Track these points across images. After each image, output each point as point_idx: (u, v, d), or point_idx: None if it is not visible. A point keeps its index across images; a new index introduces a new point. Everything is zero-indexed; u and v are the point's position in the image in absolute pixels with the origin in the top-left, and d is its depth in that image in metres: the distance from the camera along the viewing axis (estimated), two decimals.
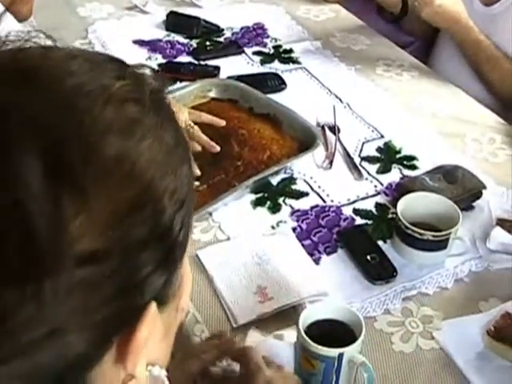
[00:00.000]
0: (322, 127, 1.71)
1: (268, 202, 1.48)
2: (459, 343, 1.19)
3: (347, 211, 1.47)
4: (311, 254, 1.35)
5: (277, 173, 1.53)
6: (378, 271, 1.31)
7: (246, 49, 2.06)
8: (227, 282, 1.28)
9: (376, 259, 1.33)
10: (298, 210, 1.46)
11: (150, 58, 1.99)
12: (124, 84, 0.56)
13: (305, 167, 1.57)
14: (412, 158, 1.63)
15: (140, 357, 0.56)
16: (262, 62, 2.00)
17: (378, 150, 1.66)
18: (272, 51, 2.06)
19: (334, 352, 1.03)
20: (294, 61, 2.02)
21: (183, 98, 1.69)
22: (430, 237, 1.30)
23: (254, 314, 1.21)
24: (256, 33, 2.15)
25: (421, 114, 1.80)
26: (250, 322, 1.21)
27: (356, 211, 1.47)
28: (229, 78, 1.86)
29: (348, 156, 1.62)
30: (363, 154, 1.64)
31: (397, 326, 1.23)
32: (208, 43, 2.08)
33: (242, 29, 2.17)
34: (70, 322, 0.49)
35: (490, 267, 1.35)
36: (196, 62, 1.96)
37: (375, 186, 1.54)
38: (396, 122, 1.77)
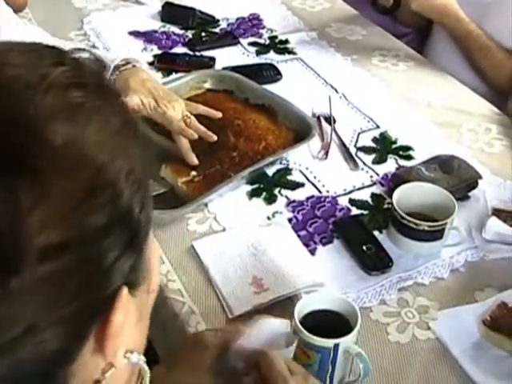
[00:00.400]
0: (318, 118, 1.70)
1: (264, 193, 1.47)
2: (455, 333, 1.19)
3: (343, 202, 1.47)
4: (307, 245, 1.35)
5: (272, 163, 1.53)
6: (374, 262, 1.31)
7: (241, 39, 2.05)
8: (223, 273, 1.28)
9: (372, 249, 1.33)
10: (294, 201, 1.46)
11: (145, 49, 1.98)
12: (64, 70, 0.55)
13: (300, 158, 1.57)
14: (408, 149, 1.63)
15: (118, 343, 0.56)
16: (258, 53, 2.00)
17: (374, 140, 1.66)
18: (268, 42, 2.06)
19: (329, 343, 1.03)
20: (290, 51, 2.01)
21: (179, 89, 1.69)
22: (426, 227, 1.30)
23: (250, 304, 1.21)
24: (252, 23, 2.15)
25: (417, 104, 1.80)
26: (246, 313, 1.21)
27: (352, 201, 1.47)
28: (224, 68, 1.85)
29: (344, 146, 1.62)
30: (359, 145, 1.64)
31: (393, 316, 1.23)
32: (203, 34, 2.08)
33: (237, 19, 2.17)
34: (41, 318, 0.49)
35: (486, 257, 1.35)
36: (191, 53, 1.96)
37: (371, 177, 1.54)
38: (392, 113, 1.76)
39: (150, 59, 1.91)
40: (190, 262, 1.31)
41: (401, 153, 1.61)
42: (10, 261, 0.47)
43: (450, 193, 1.36)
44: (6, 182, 0.47)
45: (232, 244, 1.34)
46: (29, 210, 0.47)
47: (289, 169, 1.54)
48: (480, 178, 1.49)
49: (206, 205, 1.43)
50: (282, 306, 1.21)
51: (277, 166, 1.54)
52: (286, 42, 2.06)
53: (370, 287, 1.27)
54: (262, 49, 2.02)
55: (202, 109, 1.56)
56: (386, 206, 1.45)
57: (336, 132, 1.66)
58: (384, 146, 1.63)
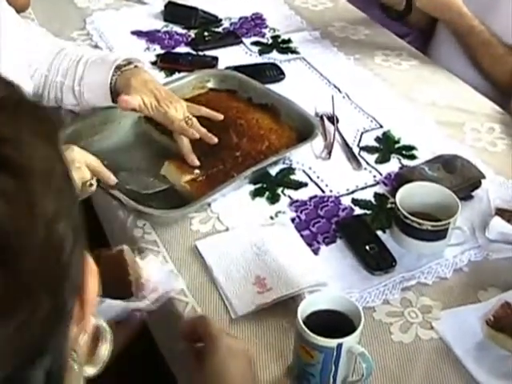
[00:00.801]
0: (321, 117, 1.70)
1: (267, 193, 1.47)
2: (458, 333, 1.19)
3: (346, 201, 1.47)
4: (310, 245, 1.35)
5: (275, 163, 1.53)
6: (377, 261, 1.31)
7: (244, 39, 2.05)
8: (226, 273, 1.28)
9: (375, 249, 1.33)
10: (297, 201, 1.46)
11: (148, 48, 1.98)
12: None
13: (303, 157, 1.57)
14: (411, 148, 1.63)
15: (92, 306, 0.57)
16: (261, 52, 2.00)
17: (377, 139, 1.66)
18: (270, 41, 2.06)
19: (332, 342, 1.03)
20: (293, 51, 2.01)
21: (182, 88, 1.69)
22: (429, 227, 1.30)
23: (253, 304, 1.21)
24: (254, 23, 2.15)
25: (420, 104, 1.80)
26: (249, 313, 1.21)
27: (355, 201, 1.46)
28: (227, 68, 1.85)
29: (347, 146, 1.62)
30: (362, 144, 1.64)
31: (396, 316, 1.23)
32: (206, 34, 2.07)
33: (240, 19, 2.17)
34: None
35: (489, 257, 1.35)
36: (194, 53, 1.96)
37: (374, 176, 1.54)
38: (395, 112, 1.76)
39: (153, 59, 1.91)
40: (193, 262, 1.32)
41: (404, 152, 1.61)
42: None
43: (453, 192, 1.36)
44: None
45: (235, 244, 1.34)
46: None
47: (292, 168, 1.54)
48: (483, 177, 1.49)
49: (209, 204, 1.43)
50: (285, 306, 1.21)
51: (280, 166, 1.54)
52: (289, 41, 2.06)
53: (373, 287, 1.27)
54: (264, 48, 2.02)
55: (205, 111, 1.56)
56: (389, 205, 1.45)
57: (339, 131, 1.66)
58: (387, 146, 1.63)
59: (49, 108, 1.57)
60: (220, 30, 2.11)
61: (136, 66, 1.55)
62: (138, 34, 2.05)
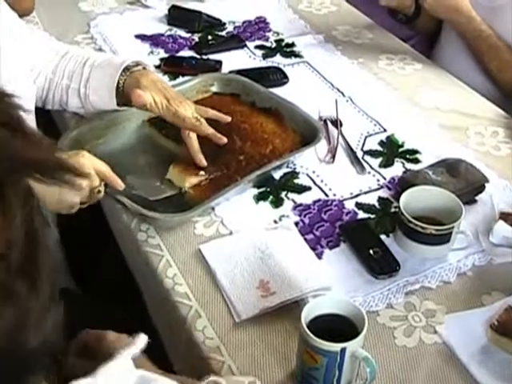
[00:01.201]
0: (325, 121, 1.70)
1: (270, 197, 1.47)
2: (462, 337, 1.19)
3: (350, 205, 1.47)
4: (314, 249, 1.35)
5: (279, 167, 1.53)
6: (381, 265, 1.30)
7: (247, 43, 2.06)
8: (230, 277, 1.28)
9: (379, 253, 1.33)
10: (301, 205, 1.46)
11: (152, 52, 1.99)
12: None
13: (307, 161, 1.57)
14: (415, 152, 1.62)
15: None
16: (264, 56, 2.00)
17: (381, 143, 1.66)
18: (274, 45, 2.06)
19: (336, 347, 1.03)
20: (296, 55, 2.01)
21: (185, 92, 1.69)
22: (433, 231, 1.30)
23: (257, 308, 1.21)
24: (258, 27, 2.15)
25: (423, 108, 1.79)
26: (253, 317, 1.21)
27: (359, 205, 1.46)
28: (231, 72, 1.85)
29: (350, 150, 1.62)
30: (366, 148, 1.64)
31: (399, 320, 1.22)
32: (210, 37, 2.08)
33: (243, 23, 2.17)
34: None
35: (493, 261, 1.34)
36: (198, 57, 1.96)
37: (378, 180, 1.54)
38: (398, 116, 1.76)
39: (157, 62, 1.92)
40: (196, 266, 1.32)
41: (408, 156, 1.61)
42: None
43: (457, 196, 1.35)
44: None
45: (239, 248, 1.34)
46: None
47: (295, 172, 1.54)
48: (487, 181, 1.49)
49: (212, 208, 1.43)
50: (288, 310, 1.21)
51: (283, 170, 1.54)
52: (293, 45, 2.06)
53: (377, 291, 1.27)
54: (268, 52, 2.02)
55: (212, 113, 1.56)
56: (392, 209, 1.45)
57: (343, 135, 1.66)
58: (391, 150, 1.63)
59: None
60: (224, 33, 2.11)
61: (144, 68, 1.56)
62: (142, 37, 2.06)
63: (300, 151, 1.55)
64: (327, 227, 1.41)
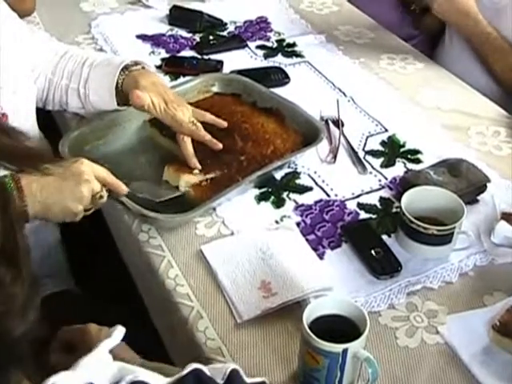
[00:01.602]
0: (326, 121, 1.70)
1: (272, 197, 1.47)
2: (464, 338, 1.18)
3: (351, 205, 1.46)
4: (315, 249, 1.35)
5: (280, 167, 1.53)
6: (383, 266, 1.30)
7: (249, 43, 2.05)
8: (231, 278, 1.28)
9: (380, 253, 1.32)
10: (302, 205, 1.46)
11: (153, 52, 1.99)
12: None
13: (309, 161, 1.57)
14: (416, 152, 1.62)
15: None
16: (266, 56, 2.00)
17: (382, 143, 1.65)
18: (275, 45, 2.06)
19: (338, 347, 1.03)
20: (298, 55, 2.01)
21: (186, 92, 1.69)
22: (435, 231, 1.30)
23: (259, 309, 1.21)
24: (259, 27, 2.15)
25: (425, 108, 1.79)
26: (255, 318, 1.20)
27: (360, 205, 1.46)
28: (232, 72, 1.85)
29: (352, 150, 1.62)
30: (367, 148, 1.64)
31: (401, 320, 1.22)
32: (211, 37, 2.08)
33: (245, 23, 2.17)
34: None
35: (495, 261, 1.34)
36: (199, 57, 1.96)
37: (379, 180, 1.54)
38: (400, 116, 1.76)
39: (158, 63, 1.91)
40: (198, 267, 1.31)
41: (409, 156, 1.61)
42: None
43: (458, 196, 1.35)
44: None
45: (240, 248, 1.34)
46: None
47: (297, 173, 1.54)
48: (489, 181, 1.48)
49: (214, 209, 1.43)
50: (290, 311, 1.21)
51: (285, 170, 1.54)
52: (294, 45, 2.06)
53: (379, 291, 1.27)
54: (269, 52, 2.02)
55: (209, 117, 1.56)
56: (394, 209, 1.45)
57: (344, 135, 1.66)
58: (392, 150, 1.63)
59: None
60: (225, 33, 2.11)
61: (143, 68, 1.55)
62: (143, 37, 2.05)
63: (301, 151, 1.55)
64: (329, 227, 1.40)
